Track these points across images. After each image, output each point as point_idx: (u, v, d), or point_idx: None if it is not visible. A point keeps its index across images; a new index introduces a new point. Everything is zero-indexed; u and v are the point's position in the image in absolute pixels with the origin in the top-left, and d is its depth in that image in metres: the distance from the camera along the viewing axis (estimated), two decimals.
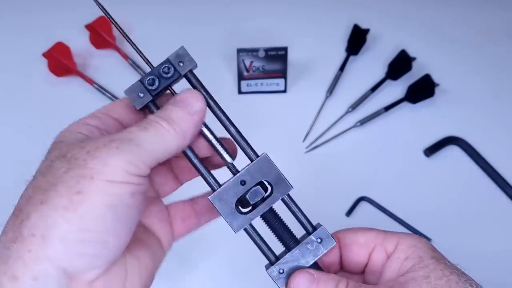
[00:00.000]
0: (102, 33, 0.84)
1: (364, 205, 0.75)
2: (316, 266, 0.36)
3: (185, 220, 0.39)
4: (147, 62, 0.36)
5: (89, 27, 0.85)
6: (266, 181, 0.35)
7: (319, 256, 0.36)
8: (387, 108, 0.82)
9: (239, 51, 0.80)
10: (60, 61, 0.81)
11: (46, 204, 0.27)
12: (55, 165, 0.29)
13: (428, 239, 0.71)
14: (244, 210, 0.35)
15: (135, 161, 0.29)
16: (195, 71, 0.35)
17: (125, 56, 0.85)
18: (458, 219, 0.75)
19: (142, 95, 0.34)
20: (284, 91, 0.85)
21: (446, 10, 0.95)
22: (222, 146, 0.36)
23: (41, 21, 0.90)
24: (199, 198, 0.40)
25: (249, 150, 0.36)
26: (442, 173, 0.79)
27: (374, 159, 0.80)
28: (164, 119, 0.31)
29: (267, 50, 0.80)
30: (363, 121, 0.81)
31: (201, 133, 0.35)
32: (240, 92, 0.84)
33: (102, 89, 0.82)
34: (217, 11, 0.93)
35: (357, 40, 0.87)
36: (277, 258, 0.36)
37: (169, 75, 0.34)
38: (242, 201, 0.35)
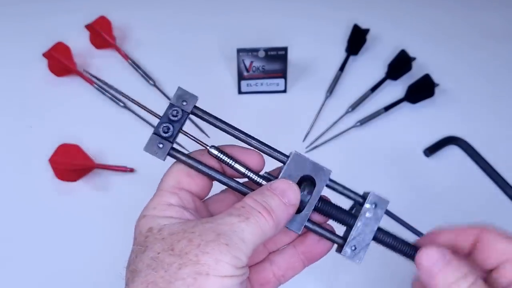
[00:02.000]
0: (102, 33, 0.84)
1: None
2: (380, 230, 0.38)
3: (263, 286, 0.39)
4: (156, 115, 0.37)
5: (89, 27, 0.85)
6: (306, 175, 0.36)
7: (380, 220, 0.37)
8: (387, 108, 0.82)
9: (239, 51, 0.80)
10: (60, 61, 0.81)
11: None
12: (165, 260, 0.29)
13: None
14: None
15: (241, 256, 0.30)
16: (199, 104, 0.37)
17: (125, 56, 0.85)
18: (458, 219, 0.75)
19: (161, 145, 0.35)
20: (284, 91, 0.85)
21: (446, 10, 0.95)
22: (254, 172, 0.37)
23: (41, 21, 0.90)
24: (277, 258, 0.40)
25: (277, 154, 0.37)
26: (442, 173, 0.79)
27: (374, 159, 0.80)
28: (263, 207, 0.33)
29: (267, 50, 0.80)
30: (363, 121, 0.81)
31: (231, 167, 0.36)
32: (240, 92, 0.84)
33: (102, 89, 0.82)
34: (217, 11, 0.93)
35: (357, 40, 0.87)
36: (344, 239, 0.37)
37: (178, 117, 0.35)
38: None
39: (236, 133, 0.37)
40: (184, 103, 0.36)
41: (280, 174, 0.36)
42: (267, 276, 0.39)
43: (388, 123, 0.83)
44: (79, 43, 0.86)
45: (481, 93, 0.86)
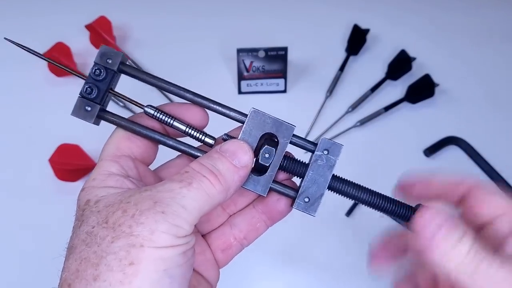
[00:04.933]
0: (102, 33, 0.84)
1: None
2: (336, 178, 0.35)
3: (226, 251, 0.38)
4: (82, 76, 0.34)
5: (89, 27, 0.85)
6: (267, 133, 0.34)
7: (334, 167, 0.34)
8: (387, 108, 0.82)
9: (239, 51, 0.80)
10: (60, 61, 0.81)
11: (99, 281, 0.26)
12: (98, 234, 0.27)
13: None
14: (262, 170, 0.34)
15: (181, 224, 0.27)
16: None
17: (126, 56, 0.85)
18: None
19: (89, 108, 0.33)
20: (284, 91, 0.85)
21: (446, 10, 0.95)
22: (200, 131, 0.34)
23: (41, 21, 0.90)
24: (237, 220, 0.38)
25: (235, 114, 0.34)
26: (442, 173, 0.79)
27: (374, 159, 0.80)
28: (209, 170, 0.30)
29: (267, 50, 0.80)
30: (363, 121, 0.81)
31: (174, 127, 0.34)
32: (240, 92, 0.84)
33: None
34: (217, 11, 0.93)
35: (357, 40, 0.87)
36: (298, 191, 0.34)
37: (102, 76, 0.33)
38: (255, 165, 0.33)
39: (177, 90, 0.33)
40: (109, 61, 0.33)
41: (240, 134, 0.33)
42: (228, 240, 0.37)
43: (388, 123, 0.83)
44: (79, 43, 0.86)
45: (481, 93, 0.86)
